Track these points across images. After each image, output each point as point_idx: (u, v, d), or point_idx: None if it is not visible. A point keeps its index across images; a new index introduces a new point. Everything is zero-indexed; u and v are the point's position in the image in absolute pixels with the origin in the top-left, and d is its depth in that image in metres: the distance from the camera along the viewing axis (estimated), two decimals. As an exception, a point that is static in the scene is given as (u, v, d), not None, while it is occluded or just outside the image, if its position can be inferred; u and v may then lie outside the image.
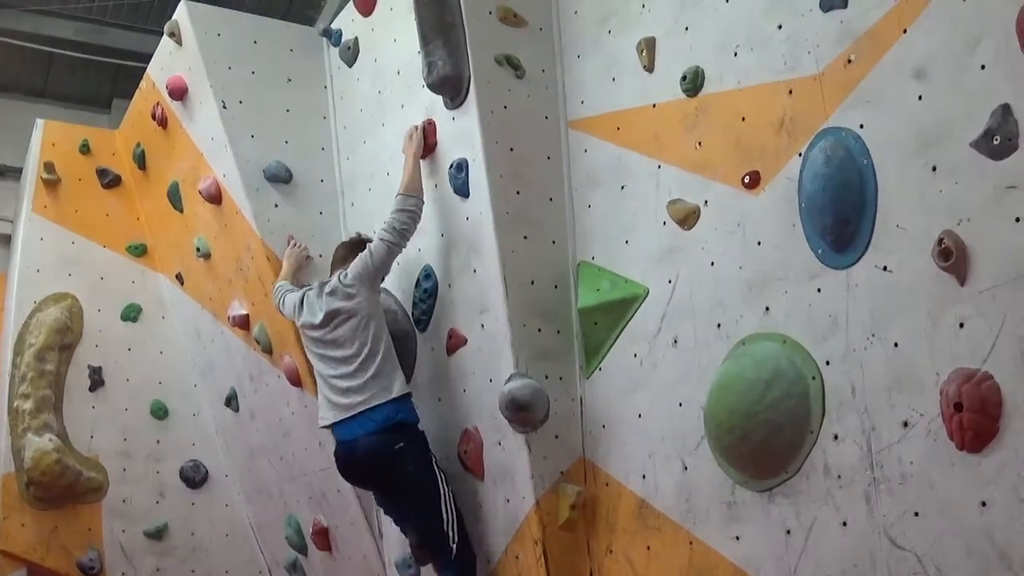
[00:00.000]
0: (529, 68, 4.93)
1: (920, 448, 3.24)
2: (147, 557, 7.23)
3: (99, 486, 7.17)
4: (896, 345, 3.34)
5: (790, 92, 3.78)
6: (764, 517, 3.81)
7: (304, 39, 6.59)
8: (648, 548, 4.33)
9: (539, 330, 4.71)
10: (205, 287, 7.04)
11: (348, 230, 5.99)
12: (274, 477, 6.77)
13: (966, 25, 3.16)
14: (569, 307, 4.76)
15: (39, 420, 7.04)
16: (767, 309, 3.85)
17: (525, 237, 4.77)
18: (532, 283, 4.75)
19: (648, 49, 4.46)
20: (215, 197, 6.45)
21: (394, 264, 5.41)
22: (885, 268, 3.39)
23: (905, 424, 3.30)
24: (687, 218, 4.23)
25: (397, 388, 4.92)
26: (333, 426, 5.04)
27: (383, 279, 5.21)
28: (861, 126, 3.49)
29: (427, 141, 5.17)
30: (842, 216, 3.51)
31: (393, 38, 5.66)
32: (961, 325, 3.13)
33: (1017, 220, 2.99)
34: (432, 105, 5.14)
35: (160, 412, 7.45)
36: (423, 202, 5.05)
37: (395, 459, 4.86)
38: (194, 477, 7.40)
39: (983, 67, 3.10)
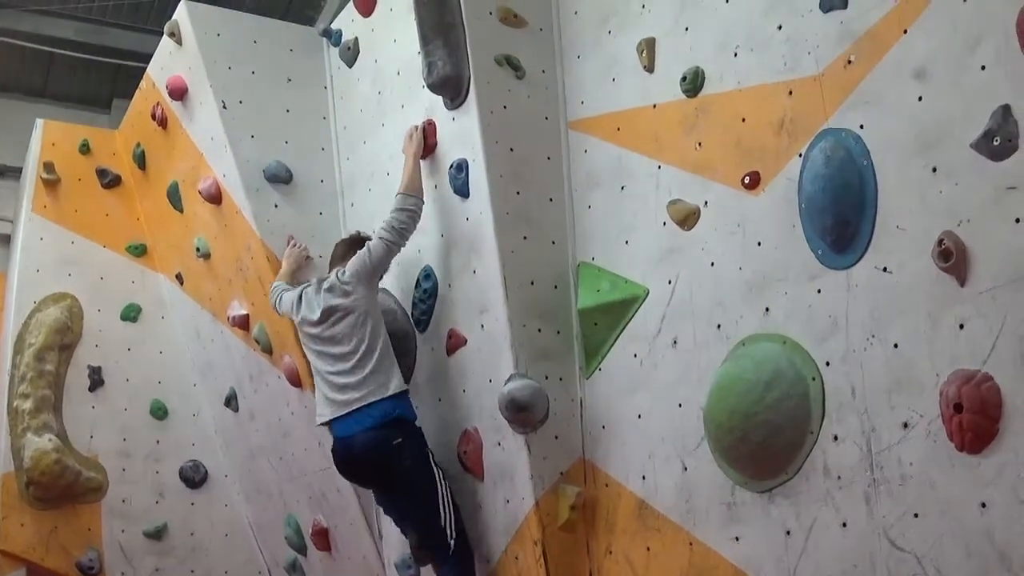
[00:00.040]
0: (529, 68, 4.93)
1: (920, 449, 3.24)
2: (146, 557, 7.22)
3: (98, 486, 7.17)
4: (896, 346, 3.34)
5: (790, 93, 3.78)
6: (764, 518, 3.80)
7: (304, 39, 6.59)
8: (648, 549, 4.33)
9: (539, 330, 4.71)
10: (205, 287, 7.04)
11: (348, 230, 5.98)
12: (274, 477, 6.77)
13: (966, 26, 3.15)
14: (569, 308, 4.76)
15: (39, 420, 7.03)
16: (767, 310, 3.85)
17: (525, 237, 4.77)
18: (532, 283, 4.75)
19: (648, 49, 4.46)
20: (215, 197, 6.45)
21: (394, 264, 5.42)
22: (885, 269, 3.39)
23: (905, 425, 3.29)
24: (687, 219, 4.23)
25: (394, 385, 4.92)
26: (331, 423, 5.04)
27: (381, 277, 5.21)
28: (861, 127, 3.49)
29: (427, 141, 5.17)
30: (842, 217, 3.51)
31: (393, 38, 5.66)
32: (961, 326, 3.13)
33: (1017, 221, 2.98)
34: (432, 105, 5.14)
35: (160, 412, 7.45)
36: (423, 202, 5.05)
37: (392, 455, 4.87)
38: (194, 477, 7.40)
39: (983, 68, 3.10)
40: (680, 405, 4.20)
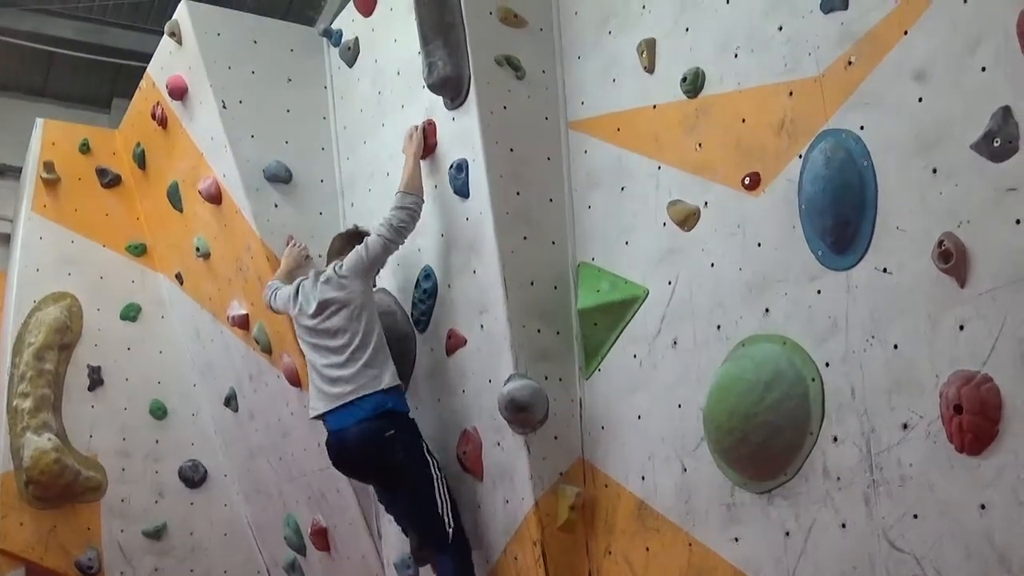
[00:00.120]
0: (529, 69, 4.93)
1: (920, 450, 3.24)
2: (146, 557, 7.22)
3: (98, 485, 7.17)
4: (896, 347, 3.34)
5: (790, 94, 3.78)
6: (763, 519, 3.80)
7: (304, 39, 6.59)
8: (647, 549, 4.33)
9: (539, 331, 4.71)
10: (204, 287, 7.04)
11: (348, 230, 5.99)
12: (273, 477, 6.77)
13: (966, 27, 3.15)
14: (569, 308, 4.76)
15: (38, 419, 7.03)
16: (767, 310, 3.85)
17: (525, 238, 4.77)
18: (532, 284, 4.75)
19: (648, 50, 4.46)
20: (215, 197, 6.45)
21: (394, 264, 5.42)
22: (885, 270, 3.39)
23: (905, 426, 3.29)
24: (687, 219, 4.23)
25: (387, 379, 4.93)
26: (324, 416, 5.04)
27: (377, 273, 5.23)
28: (861, 128, 3.49)
29: (427, 141, 5.17)
30: (842, 218, 3.51)
31: (393, 38, 5.66)
32: (961, 327, 3.13)
33: (1017, 222, 2.98)
34: (432, 105, 5.14)
35: (159, 412, 7.45)
36: (423, 201, 5.06)
37: (386, 446, 4.87)
38: (193, 477, 7.40)
39: (983, 69, 3.10)
40: (680, 406, 4.20)
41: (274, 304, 5.47)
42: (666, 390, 4.28)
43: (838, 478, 3.52)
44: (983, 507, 3.04)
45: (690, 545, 4.12)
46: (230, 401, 7.04)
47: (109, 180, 7.74)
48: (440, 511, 4.82)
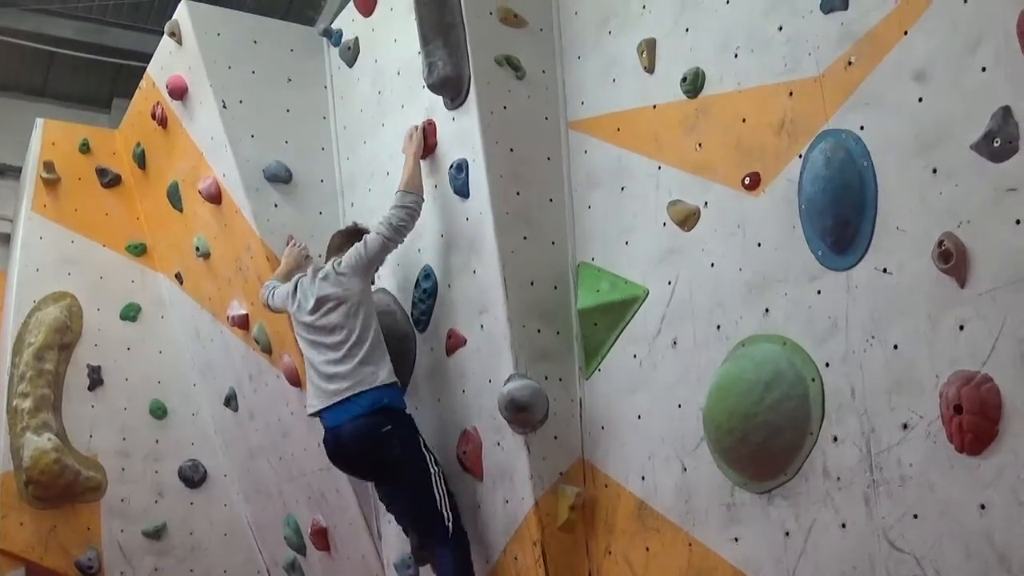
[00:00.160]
0: (529, 69, 4.93)
1: (919, 450, 3.24)
2: (145, 556, 7.22)
3: (98, 485, 7.17)
4: (896, 347, 3.34)
5: (790, 94, 3.78)
6: (763, 519, 3.80)
7: (304, 39, 6.59)
8: (647, 549, 4.33)
9: (538, 331, 4.71)
10: (204, 287, 7.04)
11: (348, 230, 5.99)
12: (273, 477, 6.77)
13: (966, 27, 3.15)
14: (569, 308, 4.76)
15: (38, 419, 7.03)
16: (767, 311, 3.85)
17: (525, 238, 4.77)
18: (532, 284, 4.75)
19: (648, 50, 4.46)
20: (215, 197, 6.45)
21: (394, 264, 5.43)
22: (885, 270, 3.39)
23: (905, 426, 3.29)
24: (687, 219, 4.23)
25: (384, 376, 4.93)
26: (321, 413, 5.05)
27: (377, 271, 5.24)
28: (861, 128, 3.49)
29: (427, 141, 5.17)
30: (842, 218, 3.51)
31: (393, 38, 5.66)
32: (961, 327, 3.13)
33: (1017, 222, 2.98)
34: (432, 105, 5.14)
35: (159, 412, 7.45)
36: (422, 200, 5.06)
37: (383, 442, 4.88)
38: (193, 477, 7.40)
39: (983, 69, 3.10)
40: (680, 406, 4.20)
41: (271, 302, 5.48)
42: (666, 390, 4.28)
43: (838, 478, 3.52)
44: (983, 507, 3.04)
45: (690, 545, 4.12)
46: (230, 401, 7.04)
47: (109, 180, 7.74)
48: (439, 506, 4.82)
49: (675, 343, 4.26)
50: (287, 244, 5.88)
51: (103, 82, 10.65)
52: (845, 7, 3.57)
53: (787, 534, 3.71)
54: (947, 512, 3.16)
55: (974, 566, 3.06)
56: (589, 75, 4.84)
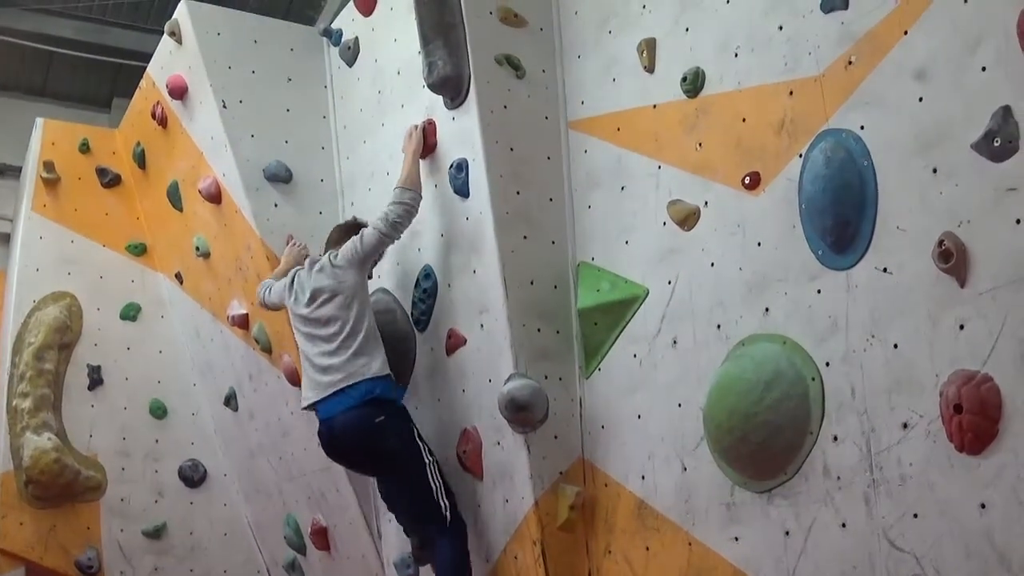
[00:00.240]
0: (529, 68, 4.93)
1: (920, 450, 3.24)
2: (145, 556, 7.22)
3: (98, 485, 7.17)
4: (896, 346, 3.34)
5: (791, 93, 3.78)
6: (763, 518, 3.80)
7: (304, 39, 6.59)
8: (647, 549, 4.33)
9: (539, 330, 4.71)
10: (204, 286, 7.04)
11: (347, 230, 5.99)
12: (273, 477, 6.77)
13: (967, 26, 3.16)
14: (569, 307, 4.76)
15: (38, 419, 7.03)
16: (767, 310, 3.85)
17: (525, 237, 4.77)
18: (532, 283, 4.75)
19: (648, 50, 4.46)
20: (215, 196, 6.45)
21: (394, 264, 5.43)
22: (885, 270, 3.39)
23: (905, 426, 3.29)
24: (687, 219, 4.23)
25: (376, 367, 4.94)
26: (315, 406, 5.05)
27: (374, 265, 5.26)
28: (862, 127, 3.49)
29: (427, 141, 5.17)
30: (842, 217, 3.51)
31: (393, 38, 5.66)
32: (961, 327, 3.13)
33: (1017, 222, 2.99)
34: (432, 105, 5.14)
35: (159, 411, 7.45)
36: (420, 197, 5.06)
37: (375, 433, 4.88)
38: (193, 476, 7.39)
39: (984, 69, 3.10)
40: (680, 405, 4.21)
41: (268, 299, 5.49)
42: (666, 389, 4.28)
43: (838, 477, 3.52)
44: (983, 506, 3.05)
45: (690, 544, 4.12)
46: (230, 400, 7.04)
47: (109, 180, 7.74)
48: (435, 496, 4.83)
49: (675, 343, 4.26)
50: (287, 244, 5.88)
51: (103, 82, 10.65)
52: (845, 7, 3.57)
53: (787, 533, 3.71)
54: (947, 511, 3.16)
55: (974, 565, 3.07)
56: (589, 75, 4.84)
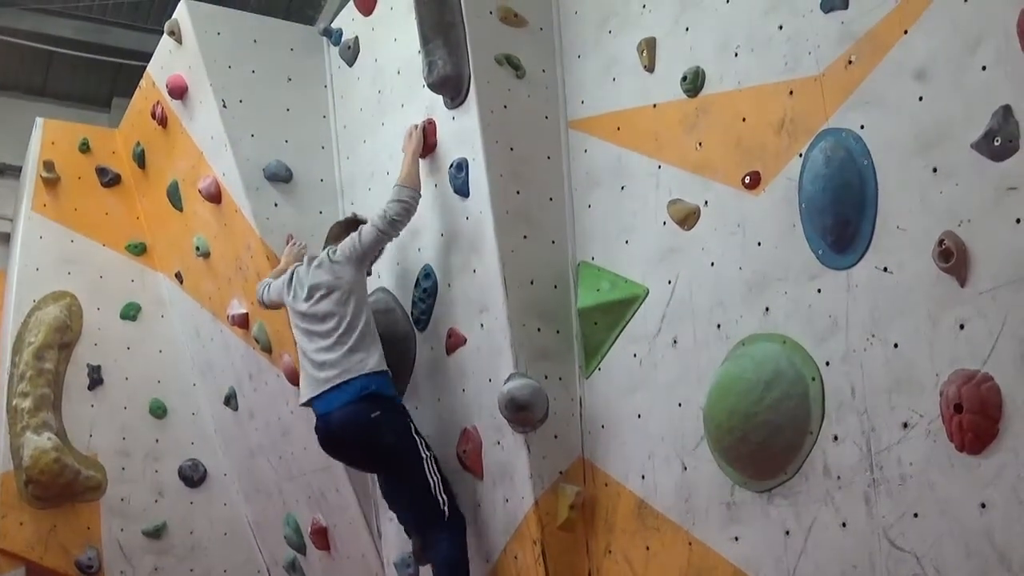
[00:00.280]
0: (529, 68, 4.93)
1: (920, 449, 3.24)
2: (145, 556, 7.22)
3: (98, 485, 7.17)
4: (896, 346, 3.34)
5: (791, 93, 3.78)
6: (763, 518, 3.80)
7: (304, 38, 6.59)
8: (647, 548, 4.33)
9: (539, 330, 4.71)
10: (204, 286, 7.04)
11: (348, 229, 5.98)
12: (273, 476, 6.77)
13: (967, 26, 3.16)
14: (569, 307, 4.76)
15: (38, 418, 7.03)
16: (767, 310, 3.85)
17: (525, 237, 4.77)
18: (532, 283, 4.75)
19: (648, 49, 4.46)
20: (215, 196, 6.45)
21: (394, 264, 5.43)
22: (885, 269, 3.39)
23: (905, 425, 3.29)
24: (687, 218, 4.23)
25: (373, 363, 4.94)
26: (313, 402, 5.06)
27: (373, 262, 5.26)
28: (862, 127, 3.49)
29: (427, 141, 5.17)
30: (842, 217, 3.51)
31: (393, 37, 5.66)
32: (961, 326, 3.13)
33: (1018, 221, 2.99)
34: (432, 105, 5.14)
35: (159, 411, 7.45)
36: (419, 195, 5.06)
37: (372, 428, 4.89)
38: (193, 476, 7.39)
39: (984, 68, 3.10)
40: (680, 405, 4.21)
41: (267, 297, 5.51)
42: (666, 389, 4.28)
43: (838, 477, 3.52)
44: (983, 506, 3.04)
45: (690, 544, 4.12)
46: (230, 400, 7.04)
47: (109, 179, 7.74)
48: (433, 490, 4.84)
49: (675, 342, 4.26)
50: (287, 243, 5.88)
51: (103, 81, 10.65)
52: (845, 6, 3.57)
53: (787, 533, 3.71)
54: (947, 511, 3.16)
55: (974, 565, 3.07)
56: (589, 74, 4.84)
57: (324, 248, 5.30)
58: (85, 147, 7.73)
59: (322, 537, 6.37)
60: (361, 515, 5.94)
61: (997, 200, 3.04)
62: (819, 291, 3.63)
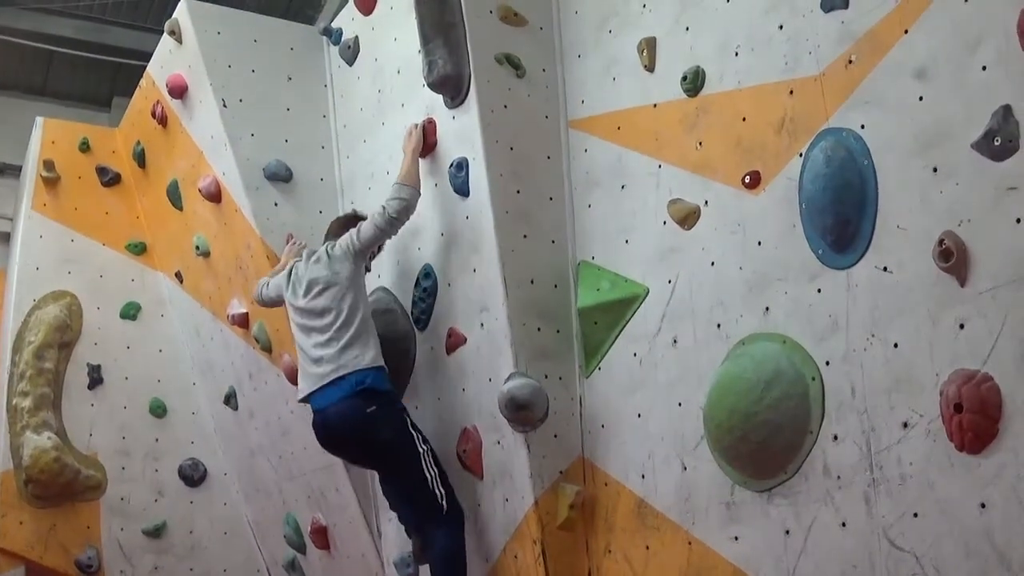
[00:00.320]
0: (529, 67, 4.93)
1: (920, 449, 3.24)
2: (145, 555, 7.22)
3: (98, 484, 7.17)
4: (896, 346, 3.34)
5: (791, 92, 3.78)
6: (763, 517, 3.80)
7: (304, 38, 6.59)
8: (647, 548, 4.33)
9: (539, 329, 4.71)
10: (204, 285, 7.04)
11: (348, 229, 5.98)
12: (273, 476, 6.77)
13: (967, 26, 3.16)
14: (569, 306, 4.76)
15: (38, 418, 7.03)
16: (767, 309, 3.85)
17: (525, 236, 4.77)
18: (532, 282, 4.75)
19: (649, 49, 4.46)
20: (215, 195, 6.45)
21: (394, 263, 5.43)
22: (885, 269, 3.39)
23: (905, 425, 3.29)
24: (687, 218, 4.23)
25: (369, 359, 4.94)
26: (310, 398, 5.06)
27: (372, 258, 5.29)
28: (862, 127, 3.49)
29: (427, 140, 5.17)
30: (842, 216, 3.51)
31: (393, 37, 5.66)
32: (961, 326, 3.13)
33: (1018, 221, 2.99)
34: (432, 104, 5.14)
35: (159, 410, 7.45)
36: (419, 193, 5.06)
37: (368, 422, 4.89)
38: (193, 475, 7.40)
39: (984, 68, 3.10)
40: (680, 404, 4.21)
41: (265, 293, 5.52)
42: (666, 389, 4.28)
43: (838, 477, 3.52)
44: (983, 506, 3.04)
45: (690, 543, 4.12)
46: (230, 399, 7.04)
47: (109, 179, 7.75)
48: (431, 485, 4.84)
49: (675, 342, 4.26)
50: (287, 243, 5.89)
51: (103, 81, 10.65)
52: (846, 6, 3.57)
53: (787, 533, 3.71)
54: (947, 511, 3.16)
55: (974, 564, 3.07)
56: (589, 74, 4.84)
57: (324, 244, 5.30)
58: (85, 146, 7.74)
59: (322, 536, 6.37)
60: (361, 515, 5.94)
61: (997, 200, 3.04)
62: (819, 291, 3.63)
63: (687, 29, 4.29)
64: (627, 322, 4.50)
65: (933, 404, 3.19)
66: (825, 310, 3.61)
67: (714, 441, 3.98)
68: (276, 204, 6.17)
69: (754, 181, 3.91)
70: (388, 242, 5.34)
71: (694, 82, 4.21)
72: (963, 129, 3.13)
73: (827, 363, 3.59)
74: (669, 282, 4.31)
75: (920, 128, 3.29)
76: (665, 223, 4.33)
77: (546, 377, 4.65)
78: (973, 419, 3.03)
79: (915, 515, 3.25)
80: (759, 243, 3.89)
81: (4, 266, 7.90)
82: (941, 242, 3.15)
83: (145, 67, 7.20)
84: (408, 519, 5.16)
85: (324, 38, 6.50)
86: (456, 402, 5.10)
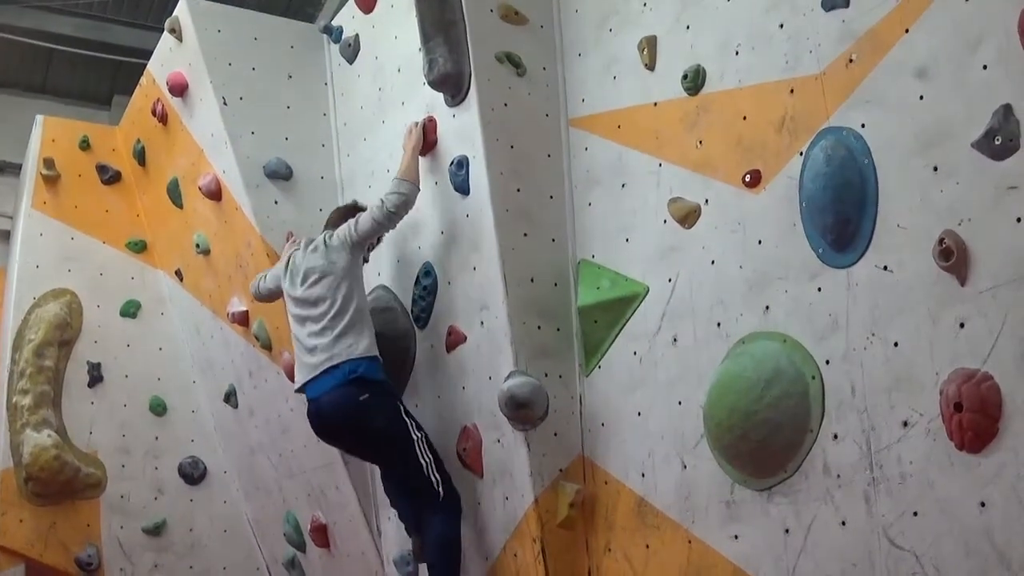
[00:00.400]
0: (530, 66, 4.93)
1: (920, 448, 3.24)
2: (145, 553, 7.22)
3: (98, 482, 7.17)
4: (896, 345, 3.34)
5: (791, 91, 3.78)
6: (763, 516, 3.80)
7: (305, 36, 6.59)
8: (647, 546, 4.33)
9: (539, 328, 4.71)
10: (204, 283, 7.04)
11: (348, 227, 5.98)
12: (273, 474, 6.77)
13: (968, 25, 3.15)
14: (569, 305, 4.76)
15: (38, 416, 7.04)
16: (767, 308, 3.85)
17: (525, 235, 4.77)
18: (532, 281, 4.75)
19: (649, 47, 4.46)
20: (215, 193, 6.45)
21: (394, 261, 5.43)
22: (886, 268, 3.39)
23: (905, 424, 3.29)
24: (687, 217, 4.23)
25: (362, 348, 4.95)
26: (305, 387, 5.07)
27: (370, 250, 5.30)
28: (862, 125, 3.49)
29: (427, 138, 5.17)
30: (843, 215, 3.51)
31: (394, 35, 5.66)
32: (961, 325, 3.13)
33: (1018, 220, 2.98)
34: (433, 102, 5.14)
35: (159, 408, 7.45)
36: (418, 189, 5.06)
37: (361, 411, 4.90)
38: (193, 473, 7.40)
39: (985, 67, 3.10)
40: (680, 403, 4.21)
41: (263, 286, 5.54)
42: (666, 387, 4.28)
43: (838, 475, 3.52)
44: (983, 505, 3.05)
45: (690, 542, 4.12)
46: (230, 397, 7.04)
47: (109, 177, 7.75)
48: (426, 471, 4.85)
49: (675, 340, 4.26)
50: (287, 241, 5.88)
51: (103, 79, 10.65)
52: (846, 5, 3.57)
53: (787, 531, 3.71)
54: (947, 510, 3.16)
55: (974, 564, 3.07)
56: (590, 72, 4.84)
57: (322, 232, 5.31)
58: (85, 144, 7.74)
59: (322, 535, 6.37)
60: (361, 513, 5.94)
61: (997, 199, 3.04)
62: (819, 290, 3.63)
63: (688, 28, 4.29)
64: (627, 321, 4.50)
65: (933, 403, 3.19)
66: (825, 309, 3.61)
67: (714, 440, 3.98)
68: (276, 202, 6.17)
69: (754, 180, 3.91)
70: (388, 238, 5.35)
71: (695, 81, 4.21)
72: (964, 128, 3.13)
73: (827, 362, 3.59)
74: (669, 281, 4.31)
75: (921, 127, 3.29)
76: (665, 222, 4.33)
77: (546, 375, 4.65)
78: (973, 418, 3.03)
79: (915, 514, 3.25)
80: (759, 242, 3.89)
81: (4, 264, 7.90)
82: (941, 241, 3.15)
83: (145, 65, 7.20)
84: (408, 517, 5.16)
85: (324, 36, 6.50)
86: (456, 400, 5.10)
